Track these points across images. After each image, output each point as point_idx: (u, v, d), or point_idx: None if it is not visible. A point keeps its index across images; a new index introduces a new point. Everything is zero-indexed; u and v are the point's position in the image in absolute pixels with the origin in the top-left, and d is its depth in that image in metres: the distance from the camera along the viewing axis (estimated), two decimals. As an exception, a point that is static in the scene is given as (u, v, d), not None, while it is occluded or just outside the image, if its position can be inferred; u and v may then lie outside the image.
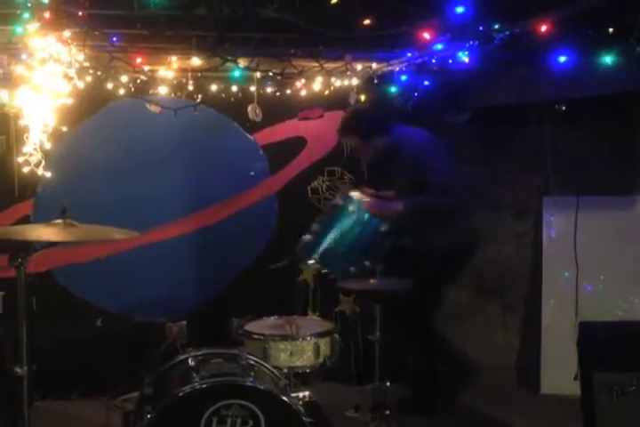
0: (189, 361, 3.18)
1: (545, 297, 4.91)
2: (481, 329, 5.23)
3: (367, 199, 3.96)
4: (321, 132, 4.74)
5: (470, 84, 4.36)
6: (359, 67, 4.06)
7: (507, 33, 2.79)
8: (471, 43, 3.10)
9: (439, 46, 3.14)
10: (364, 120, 4.14)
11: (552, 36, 2.46)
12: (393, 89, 4.01)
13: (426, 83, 3.71)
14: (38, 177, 3.66)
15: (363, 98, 4.14)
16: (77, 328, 4.38)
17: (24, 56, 2.85)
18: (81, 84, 3.42)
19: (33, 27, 2.58)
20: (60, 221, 2.99)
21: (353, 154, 4.35)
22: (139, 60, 3.27)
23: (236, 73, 3.44)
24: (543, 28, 2.42)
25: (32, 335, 4.27)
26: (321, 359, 3.48)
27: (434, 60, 3.64)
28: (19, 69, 3.12)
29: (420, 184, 4.01)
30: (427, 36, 2.66)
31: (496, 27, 2.80)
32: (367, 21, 2.63)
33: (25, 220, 4.45)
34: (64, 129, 3.59)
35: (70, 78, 3.30)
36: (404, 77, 3.96)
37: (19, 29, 2.59)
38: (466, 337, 5.18)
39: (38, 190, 4.48)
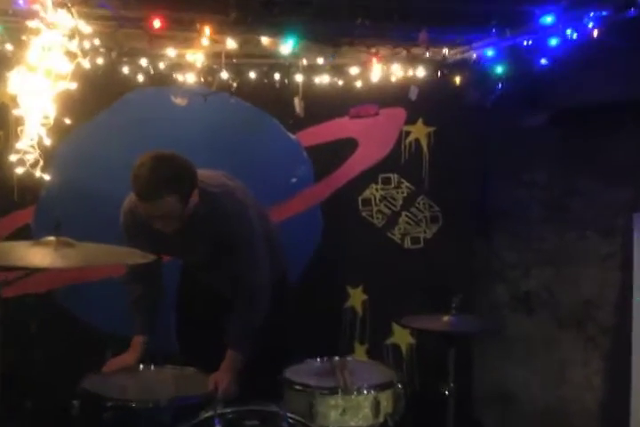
0: (216, 424, 2.47)
1: (635, 330, 4.21)
2: (556, 366, 4.60)
3: None
4: (375, 132, 4.25)
5: (554, 77, 3.70)
6: (427, 53, 3.38)
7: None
8: (592, 14, 2.36)
9: (548, 19, 2.41)
10: (186, 169, 2.91)
11: None
12: (498, 71, 3.25)
13: (543, 62, 2.93)
14: (41, 180, 3.10)
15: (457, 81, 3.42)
16: (83, 358, 3.67)
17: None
18: (87, 64, 2.75)
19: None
20: (52, 238, 2.36)
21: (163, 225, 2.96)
22: (156, 23, 2.54)
23: (290, 42, 2.72)
24: None
25: (30, 366, 3.73)
26: (381, 419, 2.79)
27: (527, 42, 2.94)
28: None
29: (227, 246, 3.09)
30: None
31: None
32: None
33: (25, 230, 3.91)
34: (67, 122, 3.01)
35: (74, 56, 2.64)
36: (486, 65, 3.24)
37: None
38: (538, 375, 4.64)
39: (41, 195, 3.92)
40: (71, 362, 3.72)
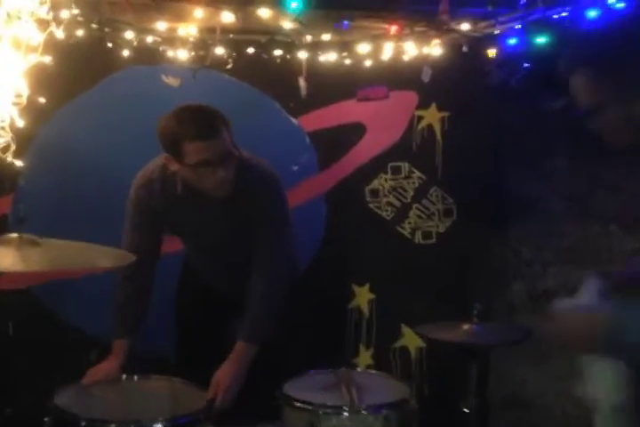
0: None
1: (662, 335, 3.96)
2: (574, 372, 4.29)
3: None
4: (384, 117, 3.96)
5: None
6: (446, 28, 3.13)
7: None
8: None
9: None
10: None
11: None
12: (525, 48, 2.94)
13: (586, 28, 2.61)
14: (17, 167, 2.87)
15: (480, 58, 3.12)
16: (65, 362, 3.59)
17: None
18: (61, 34, 2.45)
19: None
20: (15, 235, 2.05)
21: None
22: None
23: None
24: None
25: (9, 370, 3.59)
26: (393, 440, 2.48)
27: (557, 16, 2.63)
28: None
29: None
30: None
31: None
32: None
33: (1, 221, 3.59)
34: (43, 101, 2.80)
35: (45, 24, 2.34)
36: (512, 41, 2.92)
37: None
38: (553, 381, 4.32)
39: (20, 184, 3.62)
40: (54, 366, 3.52)
